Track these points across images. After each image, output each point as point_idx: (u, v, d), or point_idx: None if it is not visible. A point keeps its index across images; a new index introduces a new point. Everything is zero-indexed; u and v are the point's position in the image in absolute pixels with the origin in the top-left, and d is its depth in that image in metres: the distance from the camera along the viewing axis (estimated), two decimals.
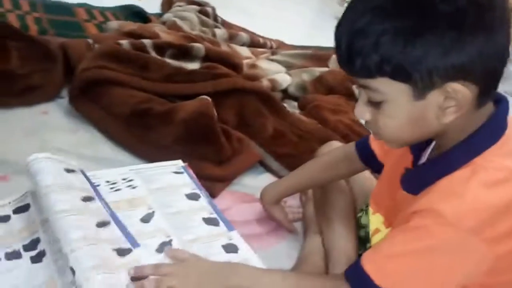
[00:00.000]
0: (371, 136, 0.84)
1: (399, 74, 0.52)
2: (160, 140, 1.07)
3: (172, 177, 0.93)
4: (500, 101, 0.60)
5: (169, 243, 0.74)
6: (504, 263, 0.56)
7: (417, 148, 0.67)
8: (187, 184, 0.92)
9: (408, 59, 0.50)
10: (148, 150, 1.06)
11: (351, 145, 0.89)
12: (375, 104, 0.57)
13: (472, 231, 0.52)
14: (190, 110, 1.10)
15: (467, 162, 0.56)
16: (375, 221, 0.79)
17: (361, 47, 0.52)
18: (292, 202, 1.07)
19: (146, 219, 0.79)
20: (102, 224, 0.71)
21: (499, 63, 0.54)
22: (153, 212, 0.81)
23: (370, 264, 0.59)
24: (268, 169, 1.18)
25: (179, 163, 0.98)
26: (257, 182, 1.13)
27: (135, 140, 1.08)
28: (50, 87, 1.14)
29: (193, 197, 0.89)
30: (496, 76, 0.55)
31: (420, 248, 0.56)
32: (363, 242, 0.88)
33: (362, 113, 0.59)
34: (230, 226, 0.87)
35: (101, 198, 0.78)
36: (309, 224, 0.99)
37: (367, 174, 0.97)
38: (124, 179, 0.86)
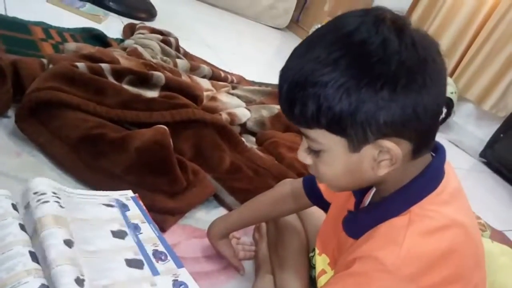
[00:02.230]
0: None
1: (334, 127, 0.54)
2: (111, 168, 1.02)
3: (100, 209, 0.84)
4: (437, 149, 0.62)
5: (82, 282, 0.65)
6: None
7: (360, 192, 0.68)
8: (115, 220, 0.83)
9: (343, 113, 0.52)
10: (98, 178, 1.01)
11: (299, 181, 0.90)
12: (315, 152, 0.59)
13: (409, 279, 0.53)
14: (146, 138, 1.06)
15: (405, 210, 0.58)
16: (321, 262, 0.79)
17: (299, 97, 0.53)
18: (245, 239, 1.04)
19: (68, 243, 0.70)
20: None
21: (431, 121, 0.56)
22: (73, 242, 0.72)
23: None
24: (222, 203, 1.15)
25: (129, 193, 0.94)
26: (210, 216, 1.10)
27: (84, 167, 1.02)
28: None
29: (119, 235, 0.80)
30: (429, 133, 0.58)
31: None
32: (314, 282, 0.86)
33: (304, 159, 0.61)
34: (178, 262, 0.83)
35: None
36: (261, 263, 0.97)
37: (321, 213, 0.97)
38: (54, 193, 0.78)
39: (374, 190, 0.67)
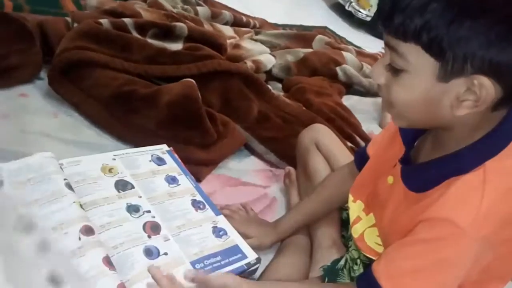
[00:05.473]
0: (369, 145, 0.81)
1: (434, 48, 0.49)
2: (144, 124, 1.05)
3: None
4: None
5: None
6: (499, 262, 0.58)
7: (409, 139, 0.66)
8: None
9: (450, 36, 0.48)
10: (133, 134, 1.05)
11: (351, 163, 0.86)
12: (395, 71, 0.54)
13: (485, 239, 0.53)
14: (175, 93, 1.08)
15: (479, 164, 0.54)
16: (356, 208, 0.78)
17: (406, 6, 0.49)
18: None
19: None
20: None
21: None
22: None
23: (386, 280, 0.58)
24: (253, 152, 1.18)
25: (164, 147, 0.98)
26: (242, 165, 1.14)
27: (118, 124, 1.06)
28: (29, 69, 1.10)
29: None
30: None
31: (437, 261, 0.55)
32: (345, 224, 0.90)
33: (378, 76, 0.56)
34: (216, 210, 0.88)
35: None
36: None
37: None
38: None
39: (421, 138, 0.65)
